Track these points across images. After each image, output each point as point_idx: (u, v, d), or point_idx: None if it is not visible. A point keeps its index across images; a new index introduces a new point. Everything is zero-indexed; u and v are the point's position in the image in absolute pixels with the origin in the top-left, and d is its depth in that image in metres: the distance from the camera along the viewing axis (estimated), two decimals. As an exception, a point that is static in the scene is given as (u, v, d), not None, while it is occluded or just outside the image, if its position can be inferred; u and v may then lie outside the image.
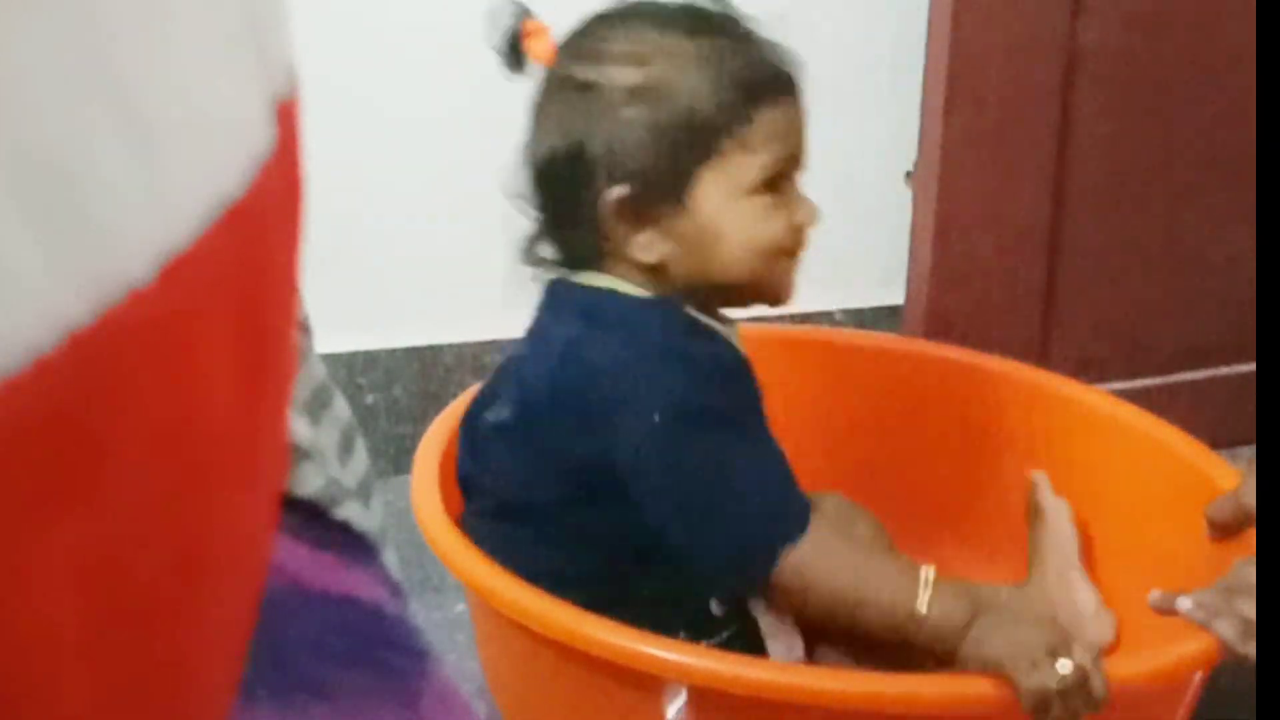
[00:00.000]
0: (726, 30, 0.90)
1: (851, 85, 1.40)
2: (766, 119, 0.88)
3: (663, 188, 0.87)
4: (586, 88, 0.88)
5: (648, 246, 0.89)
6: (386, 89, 1.30)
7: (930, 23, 1.37)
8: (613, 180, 0.87)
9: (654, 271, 0.90)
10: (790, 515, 0.85)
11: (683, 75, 0.87)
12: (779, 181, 0.90)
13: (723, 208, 0.88)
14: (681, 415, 0.85)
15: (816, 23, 1.33)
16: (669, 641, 0.80)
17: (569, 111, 0.89)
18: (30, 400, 0.17)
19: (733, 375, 0.91)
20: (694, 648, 0.83)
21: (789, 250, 0.91)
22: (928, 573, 0.84)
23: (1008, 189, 1.41)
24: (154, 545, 0.20)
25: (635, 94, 0.87)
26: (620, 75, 0.87)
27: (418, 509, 0.94)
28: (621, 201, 0.87)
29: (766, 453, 0.89)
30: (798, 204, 0.91)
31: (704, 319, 0.93)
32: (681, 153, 0.87)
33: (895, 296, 1.48)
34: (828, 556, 0.84)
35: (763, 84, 0.89)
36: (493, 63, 1.28)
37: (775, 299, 0.94)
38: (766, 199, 0.89)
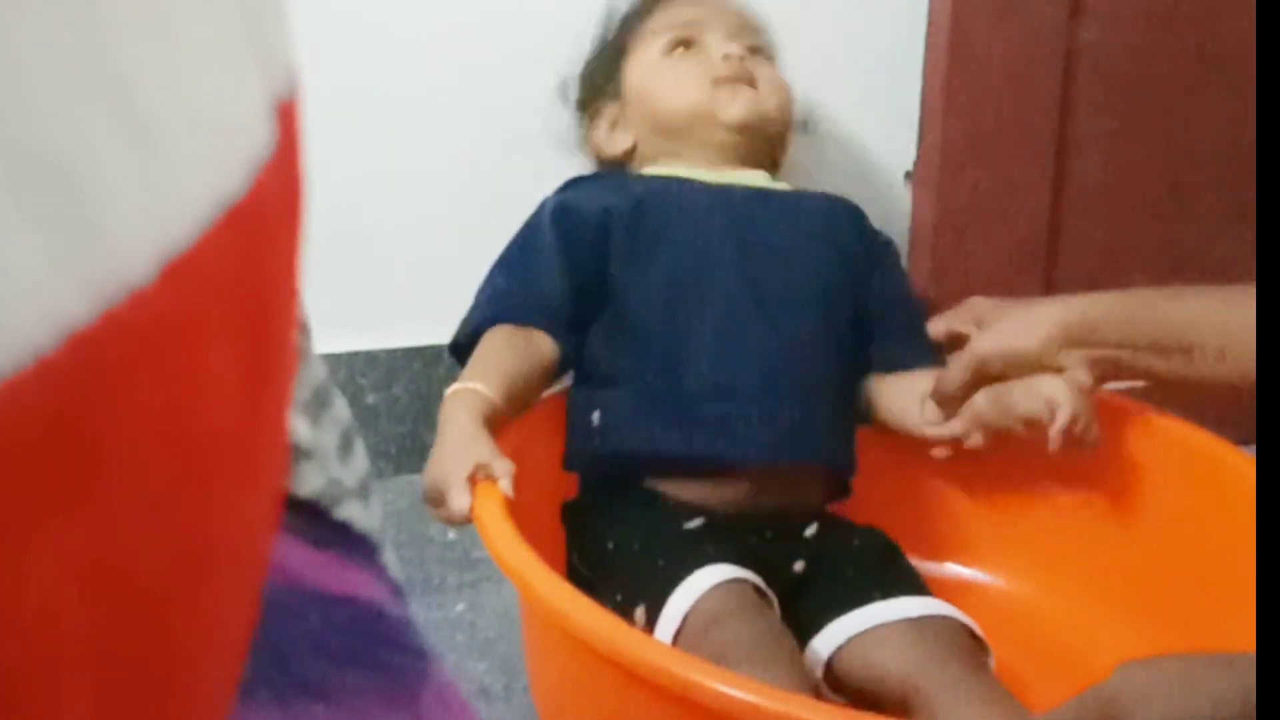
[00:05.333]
0: None
1: (851, 85, 1.40)
2: (660, 13, 1.12)
3: (605, 84, 1.13)
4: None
5: (616, 140, 1.13)
6: (387, 89, 1.30)
7: (930, 23, 1.37)
8: (582, 92, 1.16)
9: (630, 158, 1.13)
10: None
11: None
12: (689, 44, 1.10)
13: (644, 74, 1.11)
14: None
15: (817, 23, 1.33)
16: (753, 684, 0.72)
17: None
18: (31, 400, 0.17)
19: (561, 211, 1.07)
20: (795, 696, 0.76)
21: (719, 75, 1.07)
22: None
23: (1007, 189, 1.41)
24: (155, 545, 0.20)
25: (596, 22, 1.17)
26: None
27: (494, 547, 0.83)
28: (584, 104, 1.15)
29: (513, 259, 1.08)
30: (714, 46, 1.09)
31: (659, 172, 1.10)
32: (609, 55, 1.13)
33: (895, 296, 1.48)
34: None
35: None
36: (494, 63, 1.28)
37: (726, 119, 1.08)
38: (678, 53, 1.10)
